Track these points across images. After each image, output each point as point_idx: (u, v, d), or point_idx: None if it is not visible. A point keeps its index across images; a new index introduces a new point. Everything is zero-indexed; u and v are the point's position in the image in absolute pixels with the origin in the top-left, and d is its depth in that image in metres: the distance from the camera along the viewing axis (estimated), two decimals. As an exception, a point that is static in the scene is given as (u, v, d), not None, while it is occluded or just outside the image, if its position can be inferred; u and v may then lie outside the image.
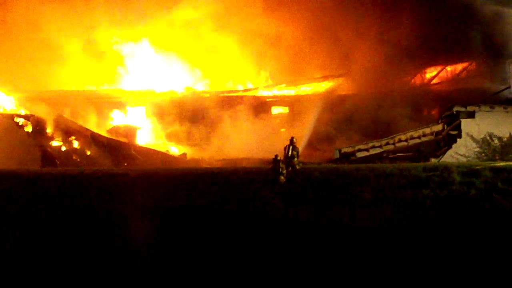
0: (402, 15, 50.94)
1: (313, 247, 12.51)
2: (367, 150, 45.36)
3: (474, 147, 43.04)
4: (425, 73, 55.53)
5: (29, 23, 52.61)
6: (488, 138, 43.16)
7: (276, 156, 24.45)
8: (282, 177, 23.78)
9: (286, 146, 26.82)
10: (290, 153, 26.13)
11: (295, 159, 26.18)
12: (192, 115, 51.57)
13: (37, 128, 48.54)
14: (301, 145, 34.49)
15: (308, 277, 10.26)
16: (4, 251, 13.06)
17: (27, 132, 48.22)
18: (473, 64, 53.70)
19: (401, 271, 10.40)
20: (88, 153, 47.68)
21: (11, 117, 49.12)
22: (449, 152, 43.37)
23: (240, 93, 56.27)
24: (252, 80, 59.00)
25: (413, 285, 9.63)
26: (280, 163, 24.11)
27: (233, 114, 50.56)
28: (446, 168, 27.99)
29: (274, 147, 33.94)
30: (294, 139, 27.16)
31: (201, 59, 57.77)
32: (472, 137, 43.24)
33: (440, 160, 41.93)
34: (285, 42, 54.83)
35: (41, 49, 51.76)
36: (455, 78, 54.86)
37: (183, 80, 57.29)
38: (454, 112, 44.70)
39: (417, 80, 55.43)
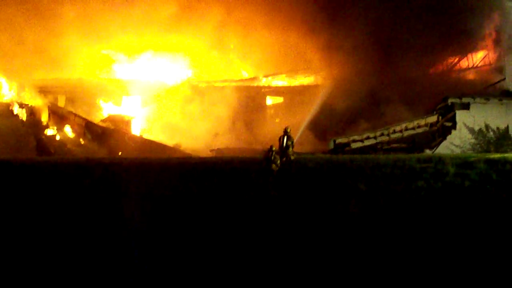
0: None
1: (305, 236, 12.56)
2: (361, 141, 45.45)
3: (469, 139, 43.20)
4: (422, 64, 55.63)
5: (28, 11, 52.32)
6: (483, 129, 43.33)
7: (271, 146, 24.41)
8: (274, 166, 23.74)
9: (281, 136, 26.79)
10: (285, 143, 26.07)
11: (290, 149, 26.12)
12: (186, 105, 51.60)
13: (32, 117, 48.63)
14: (295, 135, 34.44)
15: (300, 265, 10.32)
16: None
17: (22, 120, 48.32)
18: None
19: (394, 261, 10.44)
20: (83, 142, 47.78)
21: (7, 105, 49.18)
22: (444, 143, 43.52)
23: (236, 83, 56.27)
24: (247, 70, 59.00)
25: (407, 276, 9.59)
26: (274, 153, 24.05)
27: (227, 104, 50.55)
28: (441, 159, 28.12)
29: (269, 137, 33.97)
30: (288, 129, 27.14)
31: (196, 50, 57.69)
32: (467, 129, 43.39)
33: (435, 152, 42.06)
34: (279, 34, 54.66)
35: (38, 37, 51.48)
36: (452, 69, 54.98)
37: (177, 70, 57.21)
38: (449, 104, 44.80)
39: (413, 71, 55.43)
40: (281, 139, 26.41)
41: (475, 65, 52.47)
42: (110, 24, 53.90)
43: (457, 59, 54.52)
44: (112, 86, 53.60)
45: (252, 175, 23.79)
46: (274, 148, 24.35)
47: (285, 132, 26.70)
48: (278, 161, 23.95)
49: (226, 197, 19.01)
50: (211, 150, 46.07)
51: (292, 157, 26.11)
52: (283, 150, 25.78)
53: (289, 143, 26.20)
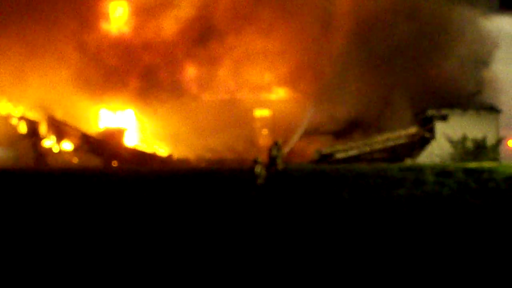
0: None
1: (290, 245, 12.68)
2: (345, 151, 46.31)
3: (448, 149, 44.23)
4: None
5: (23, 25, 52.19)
6: (461, 140, 44.45)
7: (256, 158, 24.85)
8: (259, 180, 24.22)
9: (270, 147, 27.43)
10: (273, 154, 26.61)
11: (279, 160, 26.68)
12: (179, 117, 51.72)
13: (31, 129, 48.91)
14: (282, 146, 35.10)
15: (282, 273, 10.42)
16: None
17: (21, 133, 48.62)
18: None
19: (376, 267, 10.66)
20: (79, 153, 48.27)
21: (6, 118, 49.41)
22: (424, 153, 44.57)
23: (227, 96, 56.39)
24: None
25: (389, 280, 9.83)
26: (258, 165, 24.48)
27: (218, 116, 50.81)
28: (421, 168, 28.92)
29: (258, 148, 34.43)
30: (278, 141, 27.82)
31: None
32: (445, 139, 44.46)
33: (415, 161, 43.05)
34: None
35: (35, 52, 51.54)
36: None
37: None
38: (428, 115, 45.89)
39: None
40: (270, 150, 27.12)
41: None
42: None
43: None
44: (108, 99, 53.62)
45: (239, 186, 24.05)
46: (259, 160, 24.91)
47: (275, 144, 27.42)
48: (263, 173, 24.48)
49: (215, 207, 19.09)
50: (204, 161, 46.67)
51: (280, 168, 26.79)
52: (272, 161, 26.45)
53: (278, 154, 26.88)
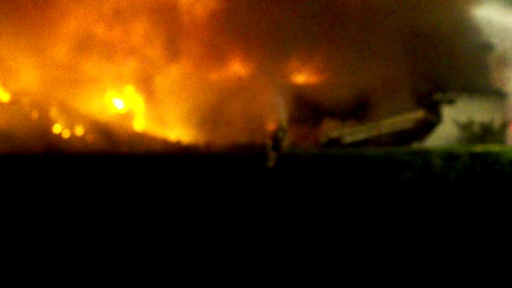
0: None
1: (298, 227, 12.70)
2: (353, 134, 46.51)
3: (455, 133, 44.38)
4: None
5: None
6: (468, 124, 44.59)
7: (265, 142, 25.03)
8: (270, 163, 24.38)
9: (275, 130, 27.61)
10: (278, 137, 26.77)
11: (284, 142, 26.84)
12: (190, 101, 51.65)
13: (41, 114, 49.08)
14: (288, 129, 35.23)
15: (291, 256, 10.36)
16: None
17: (31, 118, 48.81)
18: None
19: (382, 251, 10.63)
20: (89, 138, 48.52)
21: (16, 103, 49.60)
22: (431, 137, 44.71)
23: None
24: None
25: (394, 265, 9.77)
26: (268, 148, 24.64)
27: (228, 100, 50.70)
28: (428, 152, 29.08)
29: (266, 133, 34.45)
30: (283, 123, 27.98)
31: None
32: (452, 123, 44.60)
33: (422, 145, 43.22)
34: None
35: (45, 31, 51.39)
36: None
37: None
38: (435, 99, 46.03)
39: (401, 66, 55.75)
40: (275, 133, 27.29)
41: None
42: None
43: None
44: (118, 82, 53.47)
45: (249, 170, 24.24)
46: (268, 143, 25.10)
47: (280, 127, 27.58)
48: (273, 156, 24.70)
49: (225, 191, 19.05)
50: (214, 145, 46.79)
51: (286, 151, 26.96)
52: (276, 144, 26.61)
53: (284, 137, 27.04)
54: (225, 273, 9.34)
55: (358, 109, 50.10)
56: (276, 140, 26.55)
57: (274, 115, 52.14)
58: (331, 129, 48.05)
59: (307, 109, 50.87)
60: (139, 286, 8.88)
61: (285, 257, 10.16)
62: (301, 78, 56.19)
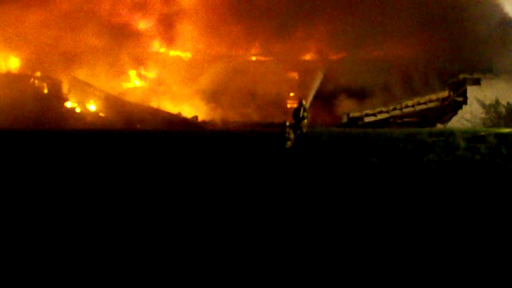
0: None
1: (316, 209, 12.38)
2: (374, 115, 45.95)
3: (480, 113, 43.64)
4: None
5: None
6: (493, 104, 43.77)
7: (285, 121, 24.59)
8: (289, 143, 23.94)
9: (296, 108, 27.07)
10: (301, 114, 26.23)
11: (305, 121, 26.30)
12: (205, 78, 51.47)
13: (53, 89, 49.00)
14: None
15: (306, 239, 10.08)
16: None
17: (43, 93, 48.72)
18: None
19: (402, 234, 10.34)
20: (102, 114, 48.31)
21: (28, 78, 49.57)
22: (455, 118, 44.03)
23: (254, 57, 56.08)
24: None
25: (416, 250, 9.41)
26: (287, 128, 24.20)
27: (245, 77, 50.37)
28: (452, 133, 28.50)
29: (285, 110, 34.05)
30: (303, 101, 27.38)
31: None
32: (478, 104, 43.83)
33: (446, 126, 42.52)
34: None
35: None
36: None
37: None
38: (460, 79, 45.22)
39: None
40: (296, 111, 26.72)
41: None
42: None
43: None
44: (133, 59, 53.43)
45: (267, 150, 23.85)
46: (288, 123, 24.60)
47: (300, 104, 26.97)
48: (292, 136, 24.23)
49: (242, 170, 19.04)
50: (230, 123, 46.47)
51: (305, 130, 26.41)
52: (297, 122, 26.07)
53: (305, 114, 26.45)
54: (239, 258, 8.98)
55: (378, 89, 49.46)
56: (298, 118, 26.03)
57: (295, 93, 51.79)
58: (350, 108, 47.49)
59: (326, 86, 50.38)
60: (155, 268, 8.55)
61: (302, 243, 9.77)
62: (320, 55, 55.80)
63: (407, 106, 46.24)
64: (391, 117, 45.83)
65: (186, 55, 55.75)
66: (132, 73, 54.33)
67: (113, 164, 20.01)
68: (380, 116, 45.79)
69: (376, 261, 8.74)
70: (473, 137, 26.48)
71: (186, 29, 54.89)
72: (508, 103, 43.77)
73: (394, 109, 46.20)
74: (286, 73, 55.52)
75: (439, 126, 42.97)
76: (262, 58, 55.99)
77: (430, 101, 46.36)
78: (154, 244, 9.63)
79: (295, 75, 55.88)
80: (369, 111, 46.18)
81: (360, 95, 49.84)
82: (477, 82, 44.68)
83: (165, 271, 8.33)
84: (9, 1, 49.41)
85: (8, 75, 49.69)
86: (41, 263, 8.64)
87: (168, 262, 8.72)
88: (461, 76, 45.19)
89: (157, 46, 56.23)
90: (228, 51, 56.07)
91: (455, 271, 8.27)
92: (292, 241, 9.82)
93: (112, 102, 48.46)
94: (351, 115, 45.79)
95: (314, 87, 50.63)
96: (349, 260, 8.80)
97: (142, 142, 28.38)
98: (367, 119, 45.49)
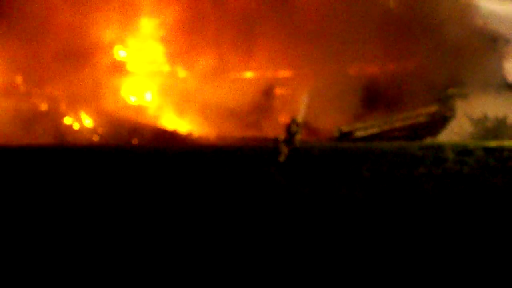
0: None
1: (309, 221, 12.76)
2: (365, 129, 46.35)
3: (468, 127, 44.11)
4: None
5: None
6: (481, 118, 44.30)
7: (277, 136, 24.95)
8: (281, 157, 24.26)
9: (288, 123, 27.49)
10: (291, 131, 26.62)
11: (297, 136, 26.71)
12: (199, 93, 51.43)
13: (51, 106, 49.16)
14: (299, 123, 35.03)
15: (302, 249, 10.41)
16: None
17: (41, 109, 48.91)
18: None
19: (394, 244, 10.67)
20: (100, 130, 48.57)
21: (26, 95, 49.71)
22: (444, 132, 44.47)
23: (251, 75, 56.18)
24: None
25: (406, 258, 9.77)
26: (280, 143, 24.53)
27: (240, 94, 50.46)
28: (441, 146, 28.93)
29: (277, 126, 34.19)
30: (296, 117, 27.82)
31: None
32: (465, 118, 44.33)
33: (435, 139, 43.01)
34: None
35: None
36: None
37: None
38: (449, 94, 45.82)
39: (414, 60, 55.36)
40: (288, 127, 27.14)
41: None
42: None
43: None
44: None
45: (260, 165, 24.18)
46: (279, 138, 24.95)
47: (293, 120, 27.44)
48: (285, 150, 24.56)
49: (234, 184, 19.15)
50: (223, 138, 46.68)
51: (298, 144, 26.81)
52: (289, 138, 26.46)
53: (297, 131, 26.89)
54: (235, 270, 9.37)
55: (369, 103, 49.69)
56: (290, 134, 26.43)
57: (288, 108, 51.93)
58: (341, 123, 47.71)
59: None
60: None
61: (295, 255, 10.10)
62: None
63: (397, 120, 46.73)
64: (381, 131, 46.26)
65: (181, 72, 55.80)
66: (131, 89, 54.39)
67: (110, 180, 20.24)
68: (370, 130, 46.20)
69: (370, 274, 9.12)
70: (461, 150, 26.83)
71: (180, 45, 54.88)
72: (495, 117, 44.31)
73: (385, 123, 46.65)
74: (275, 89, 55.58)
75: (429, 139, 43.41)
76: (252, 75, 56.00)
77: (420, 115, 46.86)
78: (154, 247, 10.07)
79: (283, 90, 55.97)
80: (360, 125, 46.57)
81: (351, 110, 50.10)
82: (465, 96, 45.28)
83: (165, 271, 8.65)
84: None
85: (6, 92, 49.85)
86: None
87: (168, 262, 9.09)
88: (450, 91, 45.79)
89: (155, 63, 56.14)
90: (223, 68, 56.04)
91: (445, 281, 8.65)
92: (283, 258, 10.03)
93: (110, 117, 48.67)
94: (342, 129, 46.16)
95: (305, 101, 50.81)
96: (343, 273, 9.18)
97: (138, 158, 28.68)
98: (358, 133, 45.87)
